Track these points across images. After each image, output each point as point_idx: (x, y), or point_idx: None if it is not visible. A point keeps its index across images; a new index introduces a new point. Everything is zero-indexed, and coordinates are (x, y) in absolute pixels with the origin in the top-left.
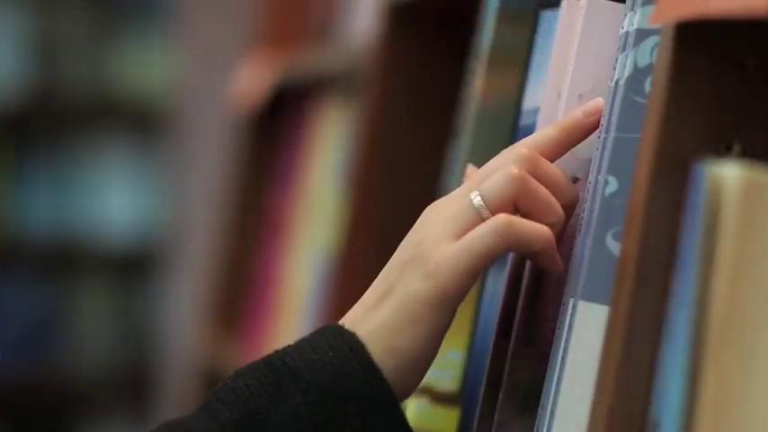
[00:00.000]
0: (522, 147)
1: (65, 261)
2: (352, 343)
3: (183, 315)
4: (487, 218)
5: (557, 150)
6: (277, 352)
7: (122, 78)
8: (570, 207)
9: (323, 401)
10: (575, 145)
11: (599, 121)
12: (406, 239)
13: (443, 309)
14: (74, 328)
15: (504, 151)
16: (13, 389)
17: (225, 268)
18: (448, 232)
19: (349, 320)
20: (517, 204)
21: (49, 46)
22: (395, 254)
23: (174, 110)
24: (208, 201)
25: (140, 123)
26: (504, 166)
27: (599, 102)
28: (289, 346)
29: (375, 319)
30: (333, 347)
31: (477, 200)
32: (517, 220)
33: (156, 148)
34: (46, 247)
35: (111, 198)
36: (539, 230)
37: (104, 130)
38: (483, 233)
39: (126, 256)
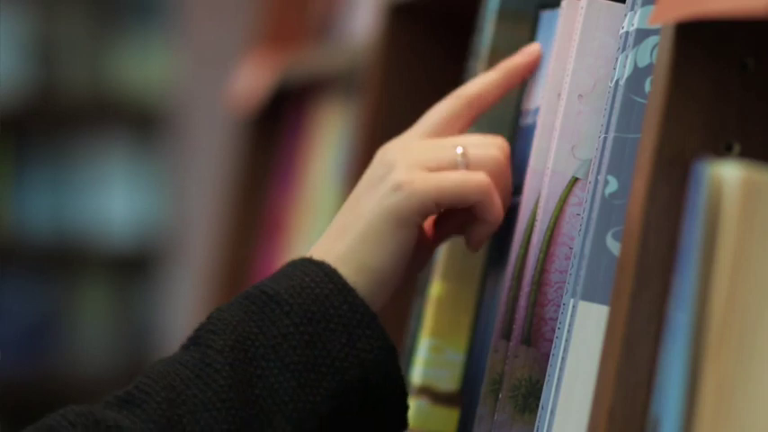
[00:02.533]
0: (468, 90)
1: (65, 261)
2: (325, 269)
3: (183, 315)
4: (460, 168)
5: (498, 91)
6: (253, 286)
7: (122, 78)
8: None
9: (308, 321)
10: (514, 86)
11: (536, 63)
12: (370, 168)
13: (408, 223)
14: (74, 328)
15: (446, 98)
16: (12, 388)
17: (225, 268)
18: (422, 163)
19: (320, 246)
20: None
21: (49, 46)
22: (359, 183)
23: (173, 110)
24: (208, 201)
25: (140, 123)
26: (494, 145)
27: (536, 45)
28: (263, 279)
29: (344, 241)
30: (307, 274)
31: (460, 154)
32: (495, 194)
33: (156, 148)
34: (46, 247)
35: (111, 198)
36: (497, 217)
37: (104, 130)
38: (465, 178)
39: (126, 256)
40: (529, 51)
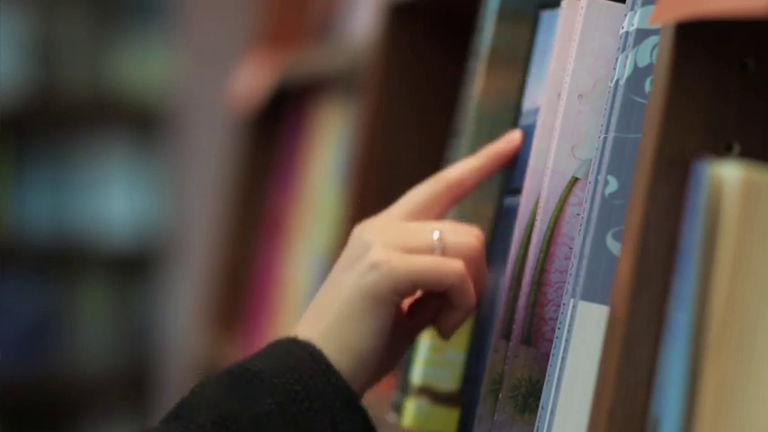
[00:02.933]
0: (449, 174)
1: (65, 261)
2: (309, 349)
3: (183, 315)
4: (435, 253)
5: (479, 176)
6: (237, 363)
7: (122, 79)
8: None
9: (291, 401)
10: (495, 172)
11: (518, 149)
12: (348, 247)
13: (386, 301)
14: (74, 328)
15: (426, 182)
16: (12, 388)
17: (225, 268)
18: (400, 244)
19: (302, 325)
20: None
21: (49, 46)
22: (338, 261)
23: (173, 110)
24: (208, 201)
25: (140, 123)
26: (471, 233)
27: (518, 132)
28: (246, 357)
29: (325, 320)
30: (291, 353)
31: (437, 239)
32: (469, 281)
33: (156, 148)
34: (46, 247)
35: (111, 198)
36: (470, 305)
37: (104, 130)
38: (442, 262)
39: (126, 256)
40: (511, 138)
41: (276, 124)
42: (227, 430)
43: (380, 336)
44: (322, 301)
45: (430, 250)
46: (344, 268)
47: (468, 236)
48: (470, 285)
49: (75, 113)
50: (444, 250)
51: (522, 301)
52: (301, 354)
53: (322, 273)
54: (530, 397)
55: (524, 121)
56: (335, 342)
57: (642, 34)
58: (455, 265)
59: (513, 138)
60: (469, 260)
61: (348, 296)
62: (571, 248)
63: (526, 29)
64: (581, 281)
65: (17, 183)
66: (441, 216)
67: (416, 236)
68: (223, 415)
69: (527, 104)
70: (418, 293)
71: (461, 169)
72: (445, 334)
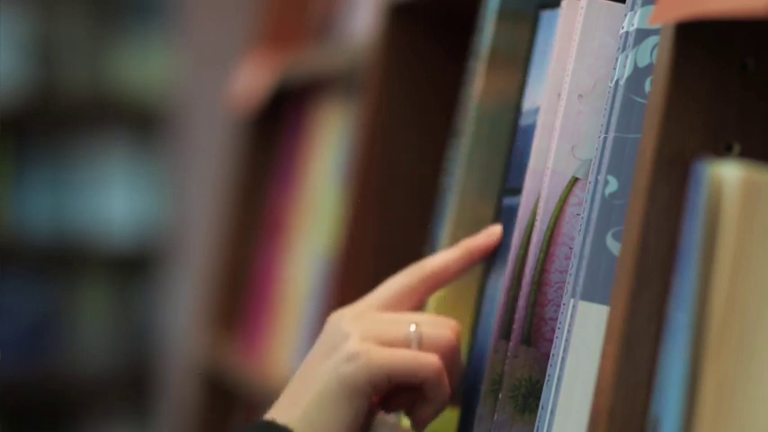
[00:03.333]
0: (427, 265)
1: (65, 261)
2: None
3: (183, 315)
4: (411, 347)
5: (460, 269)
6: None
7: (122, 79)
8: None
9: None
10: (474, 266)
11: (497, 244)
12: (324, 334)
13: (360, 393)
14: (74, 328)
15: (404, 271)
16: (12, 388)
17: (225, 268)
18: (377, 336)
19: (278, 410)
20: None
21: (49, 46)
22: (313, 349)
23: (173, 110)
24: (208, 201)
25: (140, 123)
26: (447, 326)
27: (498, 228)
28: None
29: (300, 407)
30: None
31: (414, 330)
32: (445, 375)
33: (156, 148)
34: (46, 247)
35: (111, 198)
36: (445, 398)
37: (104, 130)
38: (418, 357)
39: (126, 256)
40: (490, 233)
41: (276, 124)
42: None
43: (354, 424)
44: (298, 387)
45: (406, 343)
46: (321, 356)
47: (444, 329)
48: (445, 380)
49: (75, 113)
50: (421, 343)
51: (522, 301)
52: None
53: (322, 273)
54: (530, 397)
55: (524, 121)
56: (311, 429)
57: (642, 34)
58: (431, 360)
59: (494, 232)
60: (445, 353)
61: (325, 385)
62: (571, 248)
63: (526, 29)
64: (581, 281)
65: (17, 183)
66: (418, 306)
67: (393, 328)
68: None
69: (527, 104)
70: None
71: (441, 261)
72: (419, 426)
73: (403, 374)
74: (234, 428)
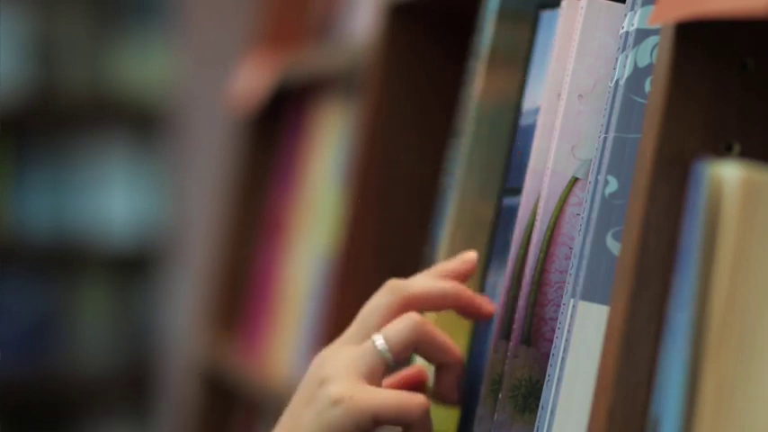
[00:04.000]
0: (406, 287)
1: (65, 261)
2: None
3: (183, 315)
4: (389, 360)
5: (439, 301)
6: None
7: (122, 78)
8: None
9: None
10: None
11: (471, 271)
12: (305, 381)
13: None
14: (74, 328)
15: (384, 292)
16: (12, 388)
17: (225, 268)
18: (354, 371)
19: None
20: (418, 348)
21: (49, 46)
22: (295, 396)
23: (173, 110)
24: (208, 201)
25: (140, 123)
26: (408, 317)
27: (473, 254)
28: None
29: None
30: None
31: (380, 343)
32: (430, 417)
33: (156, 148)
34: (46, 247)
35: (111, 198)
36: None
37: (104, 130)
38: (405, 399)
39: (126, 256)
40: (464, 259)
41: (276, 124)
42: None
43: None
44: (283, 430)
45: (383, 364)
46: (304, 402)
47: (403, 324)
48: (431, 421)
49: (75, 113)
50: (392, 351)
51: (522, 301)
52: None
53: (322, 273)
54: (530, 397)
55: (524, 121)
56: None
57: (642, 34)
58: (417, 402)
59: (468, 258)
60: (419, 345)
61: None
62: (571, 248)
63: (526, 29)
64: (581, 281)
65: (17, 183)
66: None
67: (365, 358)
68: None
69: (527, 104)
70: None
71: (420, 287)
72: None
73: (389, 416)
74: None
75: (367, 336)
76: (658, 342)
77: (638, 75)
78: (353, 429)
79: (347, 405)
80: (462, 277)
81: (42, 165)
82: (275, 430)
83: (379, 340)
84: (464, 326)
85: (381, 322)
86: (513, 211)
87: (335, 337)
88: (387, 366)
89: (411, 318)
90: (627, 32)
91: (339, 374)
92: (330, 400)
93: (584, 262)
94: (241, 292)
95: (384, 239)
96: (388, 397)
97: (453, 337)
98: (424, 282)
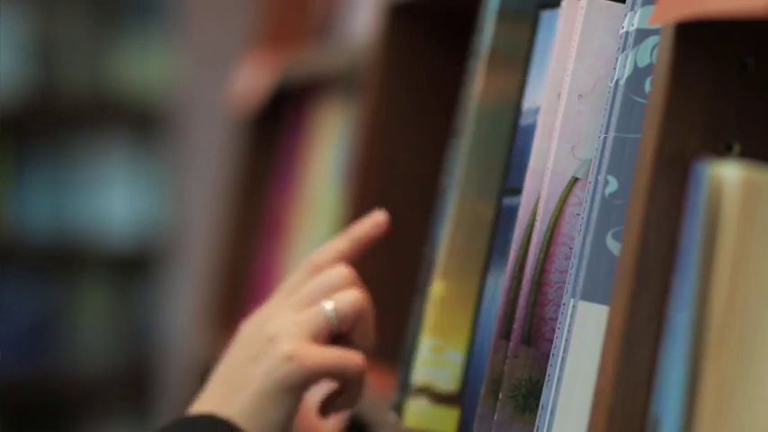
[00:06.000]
0: (314, 259)
1: (65, 261)
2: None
3: (183, 315)
4: (334, 327)
5: (348, 258)
6: None
7: (122, 78)
8: None
9: None
10: (363, 252)
11: (385, 232)
12: (247, 339)
13: (296, 390)
14: (74, 328)
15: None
16: (12, 388)
17: (225, 268)
18: (303, 332)
19: (213, 405)
20: (357, 322)
21: (49, 46)
22: (234, 353)
23: (173, 110)
24: (208, 201)
25: (140, 123)
26: (352, 289)
27: (382, 214)
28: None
29: (234, 406)
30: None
31: (329, 309)
32: (365, 376)
33: (156, 148)
34: (46, 247)
35: (111, 198)
36: (360, 394)
37: (104, 130)
38: (348, 360)
39: (126, 256)
40: (376, 220)
41: (276, 124)
42: None
43: (290, 419)
44: (224, 389)
45: (329, 329)
46: (248, 360)
47: (353, 297)
48: (364, 381)
49: (75, 113)
50: (339, 319)
51: (522, 301)
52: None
53: None
54: (530, 397)
55: (524, 121)
56: (251, 425)
57: (642, 34)
58: (357, 361)
59: (378, 220)
60: (360, 319)
61: (261, 385)
62: (571, 248)
63: (526, 29)
64: (581, 281)
65: (17, 183)
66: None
67: (314, 320)
68: None
69: (527, 104)
70: None
71: (327, 254)
72: (326, 414)
73: (333, 373)
74: (170, 422)
75: (312, 302)
76: (658, 342)
77: (638, 75)
78: (302, 384)
79: (298, 362)
80: (374, 240)
81: (42, 165)
82: (212, 385)
83: (329, 306)
84: (464, 326)
85: (327, 293)
86: (513, 211)
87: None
88: (330, 332)
89: (359, 293)
90: (627, 32)
91: (289, 334)
92: (282, 356)
93: (584, 262)
94: (241, 293)
95: (384, 239)
96: (334, 356)
97: (454, 337)
98: (325, 249)
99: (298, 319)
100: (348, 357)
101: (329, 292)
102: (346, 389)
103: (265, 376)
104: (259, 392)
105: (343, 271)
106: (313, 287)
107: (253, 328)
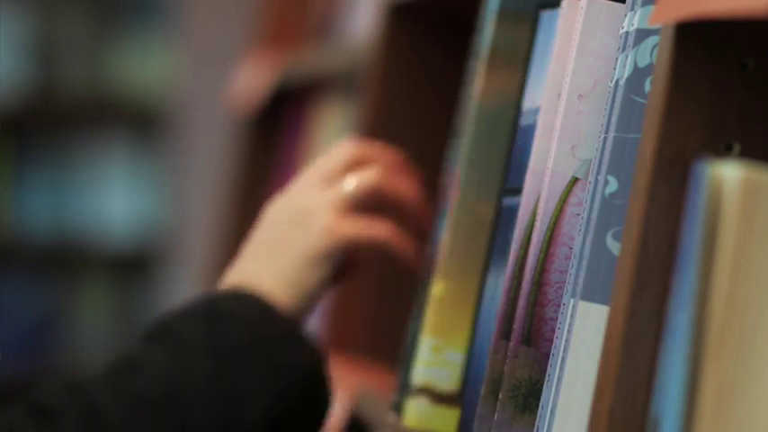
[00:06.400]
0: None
1: (65, 261)
2: (263, 304)
3: None
4: (358, 201)
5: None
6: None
7: (122, 78)
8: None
9: (260, 339)
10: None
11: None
12: (284, 210)
13: (334, 259)
14: (74, 328)
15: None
16: (12, 388)
17: (225, 268)
18: (334, 207)
19: (247, 273)
20: (382, 192)
21: (49, 46)
22: (268, 223)
23: (173, 110)
24: (208, 200)
25: (140, 123)
26: (372, 169)
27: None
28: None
29: (273, 272)
30: (251, 304)
31: (352, 185)
32: (401, 237)
33: (156, 148)
34: (46, 247)
35: (111, 198)
36: (409, 248)
37: (104, 130)
38: (379, 227)
39: (126, 256)
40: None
41: (276, 124)
42: (217, 358)
43: (327, 285)
44: (260, 260)
45: (353, 203)
46: (291, 225)
47: (373, 169)
48: (402, 240)
49: (75, 113)
50: (361, 192)
51: (522, 301)
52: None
53: None
54: (530, 397)
55: (524, 120)
56: (291, 287)
57: (642, 34)
58: (389, 231)
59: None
60: (383, 190)
61: (301, 253)
62: (571, 248)
63: (526, 29)
64: (581, 281)
65: (17, 183)
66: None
67: (340, 196)
68: (208, 344)
69: (527, 104)
70: None
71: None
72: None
73: (369, 244)
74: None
75: (333, 180)
76: (658, 342)
77: (638, 75)
78: (338, 255)
79: (338, 233)
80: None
81: (42, 165)
82: (247, 254)
83: (351, 183)
84: (464, 326)
85: (345, 170)
86: (513, 211)
87: (336, 337)
88: (354, 206)
89: (376, 168)
90: (627, 32)
91: (325, 208)
92: (321, 228)
93: (584, 262)
94: None
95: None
96: (366, 226)
97: (454, 337)
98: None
99: (327, 195)
100: (380, 228)
101: (347, 171)
102: (395, 254)
103: (307, 245)
104: (301, 258)
105: (356, 149)
106: (332, 167)
107: (284, 204)
